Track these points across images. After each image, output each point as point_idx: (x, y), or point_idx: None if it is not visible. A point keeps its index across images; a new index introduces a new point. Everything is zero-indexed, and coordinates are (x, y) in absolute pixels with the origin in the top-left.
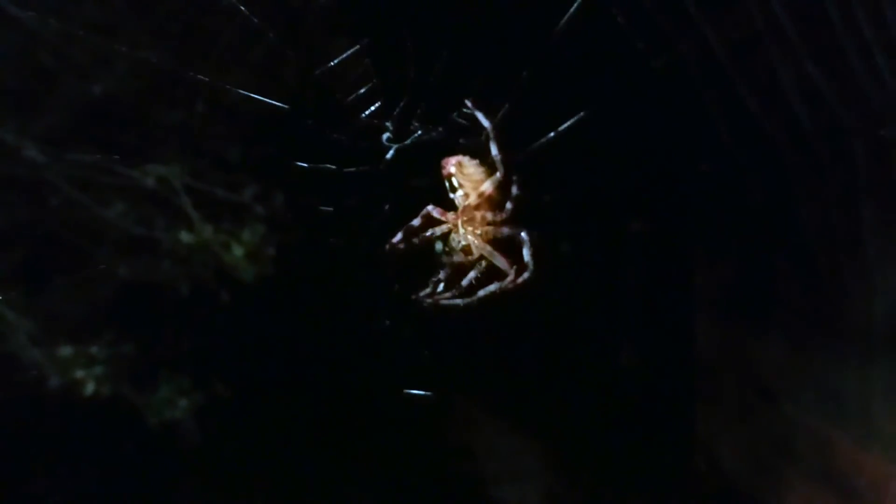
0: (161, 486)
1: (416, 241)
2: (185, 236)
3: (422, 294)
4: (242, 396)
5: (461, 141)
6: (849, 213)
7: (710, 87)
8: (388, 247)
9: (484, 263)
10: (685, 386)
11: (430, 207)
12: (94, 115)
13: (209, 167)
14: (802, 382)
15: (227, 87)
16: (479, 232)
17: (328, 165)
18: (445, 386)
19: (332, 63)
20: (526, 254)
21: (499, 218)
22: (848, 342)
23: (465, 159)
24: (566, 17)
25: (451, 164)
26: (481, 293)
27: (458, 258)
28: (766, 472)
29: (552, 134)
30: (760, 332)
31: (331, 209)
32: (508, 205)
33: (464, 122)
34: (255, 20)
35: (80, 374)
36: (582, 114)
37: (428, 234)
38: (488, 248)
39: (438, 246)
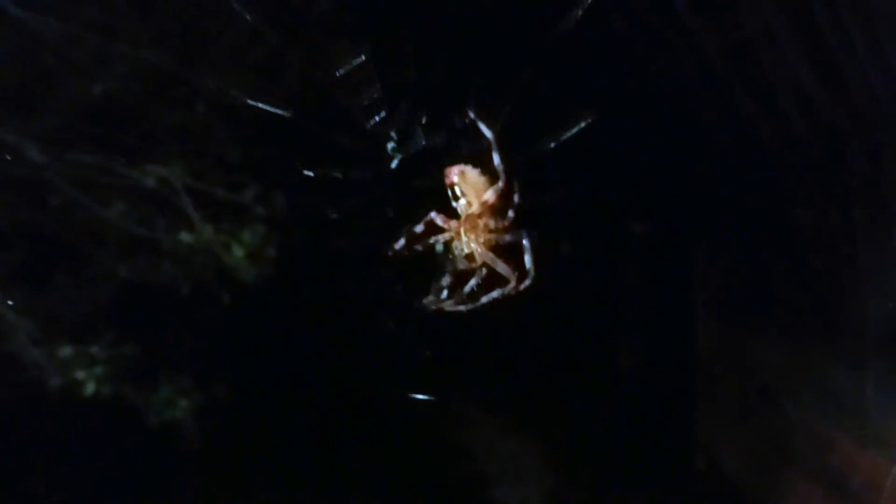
0: (161, 486)
1: (418, 247)
2: (185, 237)
3: (426, 300)
4: (242, 397)
5: (464, 150)
6: (847, 214)
7: (709, 90)
8: (390, 252)
9: (486, 270)
10: (685, 386)
11: (432, 214)
12: (95, 115)
13: (210, 168)
14: (802, 383)
15: (231, 92)
16: (481, 239)
17: (335, 174)
18: (446, 387)
19: (338, 73)
20: (528, 260)
21: (501, 226)
22: (848, 342)
23: (468, 168)
24: (567, 23)
25: (454, 173)
26: (484, 299)
27: (461, 265)
28: (766, 472)
29: (553, 145)
30: (760, 333)
31: (337, 216)
32: (510, 213)
33: (466, 131)
34: (257, 22)
35: (80, 374)
36: (583, 124)
37: (431, 241)
38: (490, 254)
39: (440, 247)
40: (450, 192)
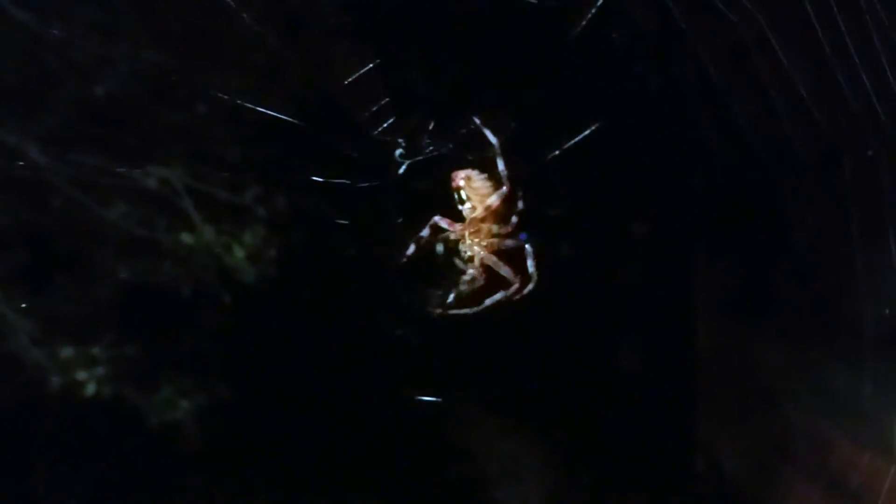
0: (162, 486)
1: (426, 250)
2: (186, 237)
3: (430, 303)
4: (243, 397)
5: (469, 156)
6: (845, 216)
7: (708, 95)
8: (404, 259)
9: (489, 273)
10: (685, 387)
11: (436, 218)
12: (96, 116)
13: (211, 169)
14: (801, 383)
15: (238, 97)
16: (485, 243)
17: (342, 180)
18: (447, 388)
19: (346, 81)
20: (530, 265)
21: (504, 231)
22: (846, 343)
23: (474, 173)
24: (570, 32)
25: (460, 178)
26: (488, 302)
27: (465, 268)
28: (766, 472)
29: (557, 152)
30: (759, 334)
31: (345, 220)
32: (514, 218)
33: (472, 137)
34: (258, 23)
35: (81, 374)
36: (587, 131)
37: (437, 243)
38: (494, 258)
39: (440, 248)
40: (455, 196)
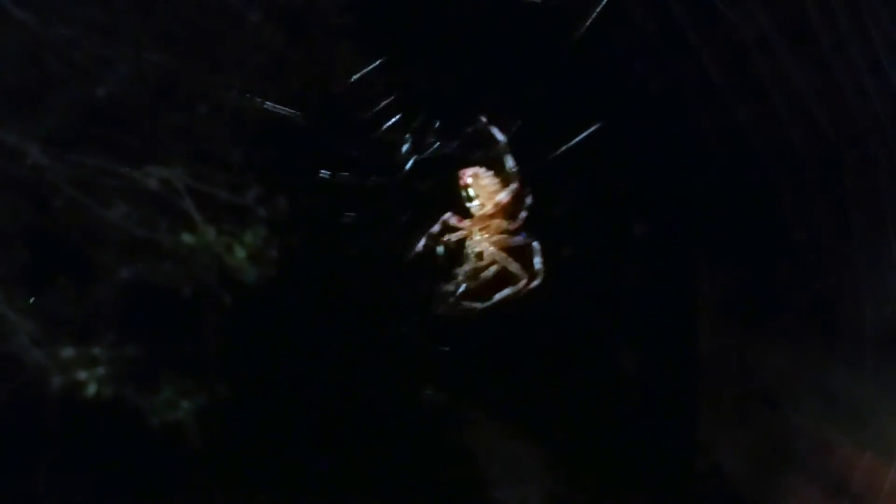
0: (163, 486)
1: (436, 246)
2: (187, 238)
3: (440, 299)
4: (243, 398)
5: (476, 154)
6: (846, 218)
7: (709, 97)
8: (413, 255)
9: (497, 269)
10: (686, 389)
11: (447, 215)
12: (97, 116)
13: (212, 169)
14: (803, 386)
15: (241, 95)
16: (493, 239)
17: (348, 175)
18: (447, 388)
19: (351, 80)
20: (537, 261)
21: (512, 227)
22: (848, 346)
23: (482, 170)
24: (575, 36)
25: (468, 175)
26: (497, 297)
27: (474, 264)
28: (767, 475)
29: (563, 148)
30: (760, 336)
31: (353, 217)
32: (522, 214)
33: (479, 135)
34: (262, 22)
35: (82, 375)
36: (589, 130)
37: (445, 240)
38: (502, 254)
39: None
40: (463, 194)
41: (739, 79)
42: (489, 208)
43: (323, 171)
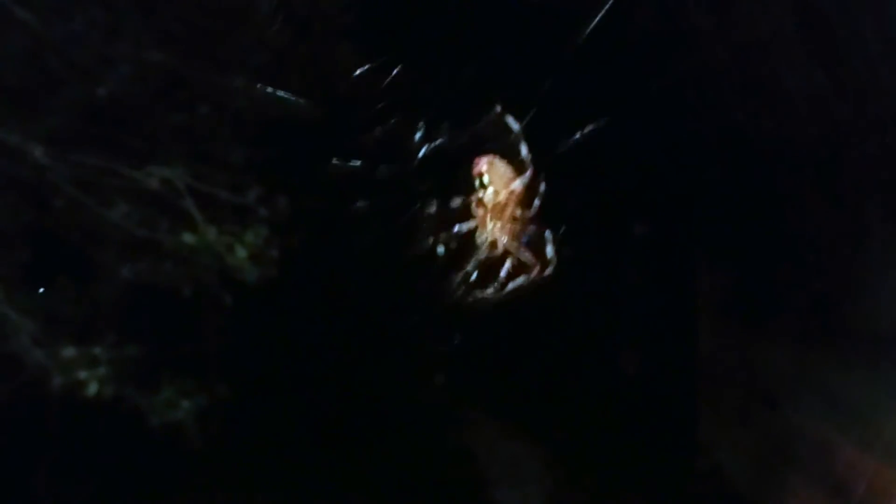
0: (163, 487)
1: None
2: (188, 238)
3: (453, 288)
4: (244, 398)
5: (490, 143)
6: (849, 218)
7: (716, 91)
8: (431, 242)
9: (510, 259)
10: (687, 390)
11: (457, 200)
12: (99, 116)
13: (213, 169)
14: (805, 387)
15: (254, 85)
16: (506, 228)
17: (361, 165)
18: (448, 389)
19: (364, 67)
20: (549, 250)
21: (525, 215)
22: (850, 347)
23: (496, 159)
24: (586, 30)
25: (483, 163)
26: (510, 286)
27: (486, 253)
28: (768, 476)
29: (564, 148)
30: (763, 337)
31: (364, 205)
32: (536, 202)
33: (493, 124)
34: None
35: (82, 374)
36: (591, 126)
37: (455, 230)
38: (514, 243)
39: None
40: (477, 182)
41: (740, 78)
42: (504, 196)
43: (333, 160)
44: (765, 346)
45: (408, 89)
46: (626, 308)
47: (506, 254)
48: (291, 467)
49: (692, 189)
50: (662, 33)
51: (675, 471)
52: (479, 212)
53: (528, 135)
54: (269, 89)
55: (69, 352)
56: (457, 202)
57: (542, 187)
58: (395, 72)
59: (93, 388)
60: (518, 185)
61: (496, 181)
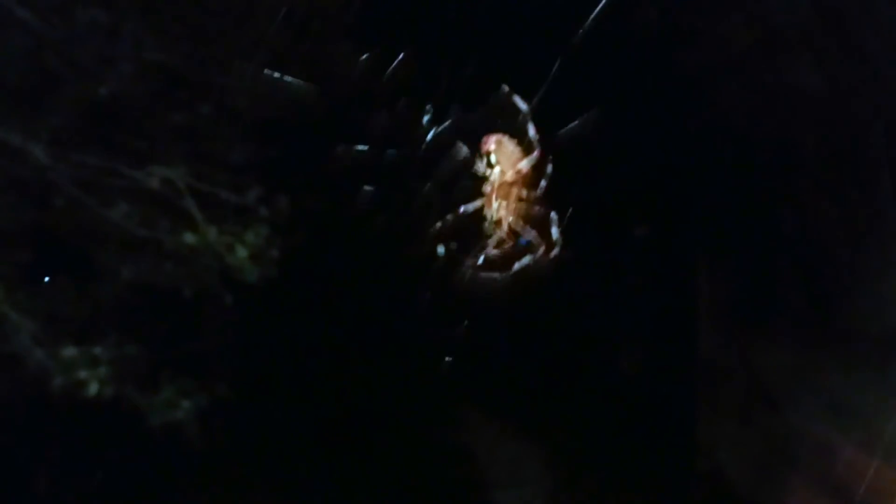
0: (163, 487)
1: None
2: (188, 238)
3: (463, 268)
4: (244, 398)
5: (499, 122)
6: (849, 219)
7: (718, 90)
8: (439, 227)
9: (515, 238)
10: (688, 391)
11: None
12: (99, 116)
13: (213, 169)
14: (805, 388)
15: (258, 74)
16: (512, 207)
17: (366, 149)
18: (448, 389)
19: (368, 53)
20: (555, 232)
21: (532, 195)
22: (851, 348)
23: (505, 138)
24: (589, 19)
25: (492, 142)
26: (516, 266)
27: (491, 231)
28: (769, 478)
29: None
30: (763, 337)
31: (372, 189)
32: (543, 182)
33: (500, 106)
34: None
35: (83, 374)
36: (583, 117)
37: (461, 210)
38: (520, 222)
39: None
40: (484, 160)
41: (740, 78)
42: (511, 175)
43: (340, 144)
44: (765, 346)
45: (413, 73)
46: (626, 308)
47: (511, 233)
48: (291, 467)
49: (692, 188)
50: (668, 31)
51: (674, 471)
52: (486, 189)
53: (536, 117)
54: (276, 74)
55: (69, 352)
56: (463, 185)
57: (550, 169)
58: (400, 56)
59: (93, 388)
60: (525, 165)
61: (503, 160)
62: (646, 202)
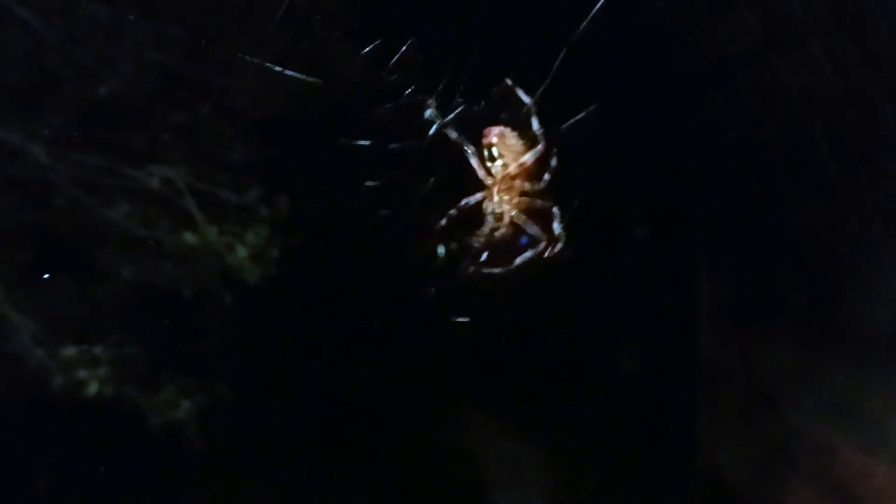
0: (163, 487)
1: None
2: (189, 237)
3: (464, 264)
4: (244, 398)
5: (503, 115)
6: (849, 218)
7: (720, 90)
8: (443, 222)
9: (517, 232)
10: (688, 392)
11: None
12: (100, 116)
13: (214, 169)
14: (806, 389)
15: (283, 70)
16: (515, 201)
17: (369, 143)
18: (448, 389)
19: (373, 45)
20: (556, 227)
21: (535, 189)
22: (852, 349)
23: (507, 130)
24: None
25: (494, 134)
26: (518, 261)
27: (493, 226)
28: (769, 479)
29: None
30: (763, 337)
31: (376, 183)
32: (546, 176)
33: (504, 99)
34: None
35: (83, 374)
36: (581, 114)
37: (462, 203)
38: (522, 216)
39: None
40: (486, 153)
41: (741, 77)
42: (514, 169)
43: (341, 138)
44: (765, 346)
45: (415, 66)
46: (626, 308)
47: (513, 227)
48: (291, 467)
49: (692, 188)
50: (673, 27)
51: (674, 471)
52: (488, 181)
53: (539, 112)
54: (278, 68)
55: (69, 351)
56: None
57: (554, 163)
58: (402, 49)
59: (93, 388)
60: (528, 158)
61: (506, 153)
62: (646, 202)
